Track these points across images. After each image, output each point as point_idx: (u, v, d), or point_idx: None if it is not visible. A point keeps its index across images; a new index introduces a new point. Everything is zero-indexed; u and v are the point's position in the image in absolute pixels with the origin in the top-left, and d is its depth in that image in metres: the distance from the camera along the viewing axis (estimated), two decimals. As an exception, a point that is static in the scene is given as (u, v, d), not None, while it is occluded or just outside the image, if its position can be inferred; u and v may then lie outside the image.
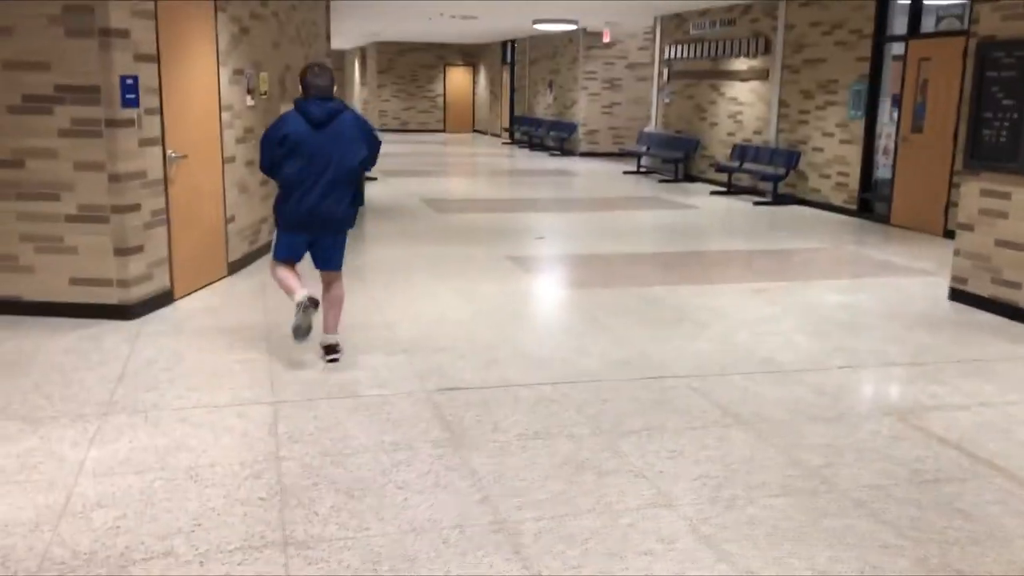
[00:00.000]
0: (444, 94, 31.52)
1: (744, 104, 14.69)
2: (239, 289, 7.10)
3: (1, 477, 3.58)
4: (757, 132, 14.27)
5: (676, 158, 16.16)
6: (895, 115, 11.23)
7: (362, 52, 33.87)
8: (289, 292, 5.03)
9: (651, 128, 18.15)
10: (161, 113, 6.27)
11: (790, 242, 10.01)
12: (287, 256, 5.12)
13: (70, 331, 5.70)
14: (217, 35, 7.17)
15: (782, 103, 13.52)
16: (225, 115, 7.40)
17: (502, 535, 3.20)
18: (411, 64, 30.97)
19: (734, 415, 4.52)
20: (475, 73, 31.69)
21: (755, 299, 7.16)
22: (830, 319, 6.54)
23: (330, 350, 5.23)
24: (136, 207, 6.03)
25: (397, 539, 3.16)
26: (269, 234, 8.68)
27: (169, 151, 6.40)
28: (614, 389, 4.86)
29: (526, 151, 23.50)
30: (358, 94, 35.86)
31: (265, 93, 8.49)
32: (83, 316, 5.96)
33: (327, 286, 5.28)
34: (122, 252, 5.96)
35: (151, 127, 6.16)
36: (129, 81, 5.87)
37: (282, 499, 3.45)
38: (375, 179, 15.08)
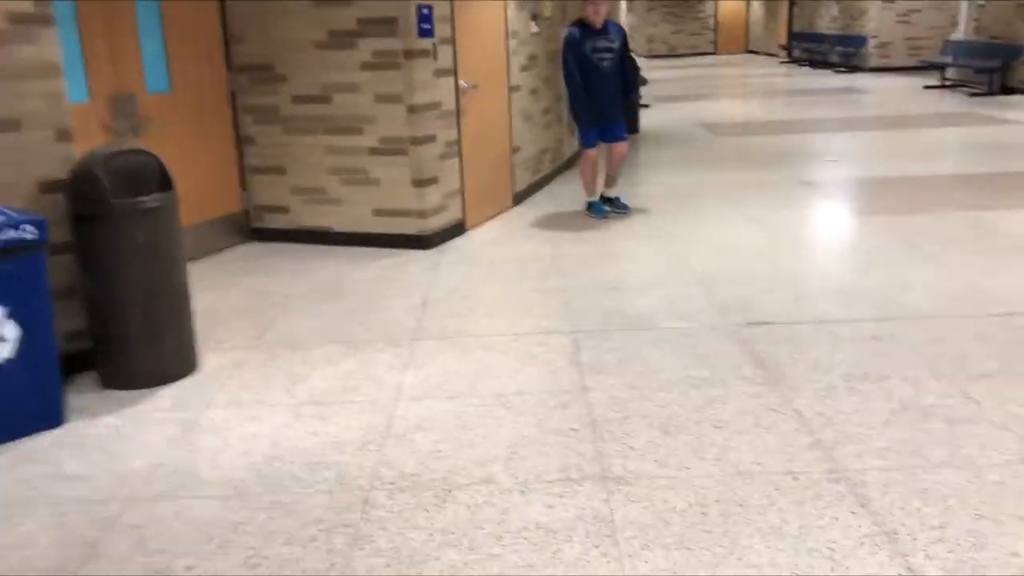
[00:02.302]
0: (715, 14, 30.05)
1: (1082, -2, 12.54)
2: (525, 220, 7.09)
3: (329, 397, 3.75)
4: (1099, 30, 12.14)
5: (991, 68, 14.22)
6: None
7: (629, -23, 33.06)
8: None
9: (959, 35, 16.11)
10: (453, 43, 6.30)
11: None
12: None
13: (375, 260, 5.95)
14: (502, -39, 7.09)
15: None
16: (512, 43, 7.35)
17: (843, 486, 2.85)
18: (680, -15, 29.79)
19: (1111, 360, 3.79)
20: (748, -10, 29.91)
21: (1115, 224, 6.06)
22: None
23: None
24: (432, 138, 6.14)
25: (723, 481, 2.91)
26: (551, 164, 8.63)
27: (461, 81, 6.45)
28: (952, 327, 4.26)
29: (807, 69, 21.89)
30: (624, 19, 35.17)
31: (549, 18, 8.35)
32: (385, 246, 6.20)
33: None
34: (420, 183, 6.11)
35: (445, 57, 6.21)
36: (425, 11, 5.92)
37: (594, 431, 3.31)
38: (647, 106, 14.66)
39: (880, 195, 7.58)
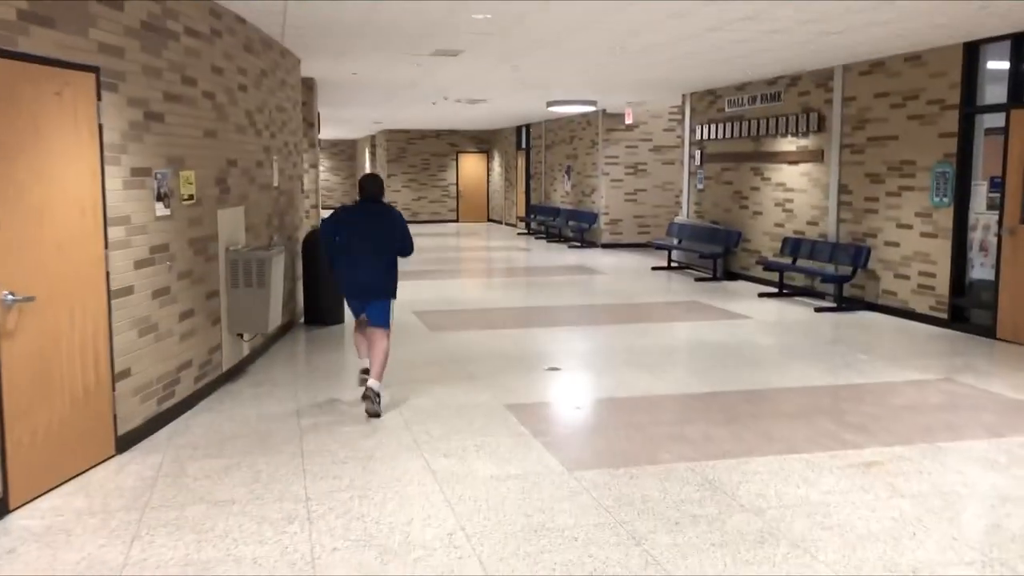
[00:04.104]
0: (457, 182, 29.86)
1: (794, 190, 12.61)
2: (122, 482, 4.93)
3: None
4: (812, 223, 12.14)
5: (714, 252, 14.03)
6: (994, 202, 9.08)
7: (372, 141, 32.46)
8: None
9: (683, 218, 16.10)
10: (-17, 239, 4.23)
11: (880, 370, 7.74)
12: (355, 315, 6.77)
13: None
14: (102, 124, 5.19)
15: (843, 189, 11.42)
16: (116, 232, 5.36)
17: None
18: (422, 152, 29.42)
19: None
20: (489, 160, 30.08)
21: (868, 483, 4.89)
22: (1000, 527, 4.26)
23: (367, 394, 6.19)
24: (-70, 384, 3.94)
25: None
26: (196, 383, 6.56)
27: (3, 293, 4.34)
28: None
29: (543, 242, 21.54)
30: (368, 184, 34.30)
31: (191, 197, 6.48)
32: None
33: (371, 340, 6.43)
34: (-99, 457, 3.84)
35: (-36, 261, 4.11)
36: (-83, 195, 3.84)
37: None
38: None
39: (599, 432, 6.16)
